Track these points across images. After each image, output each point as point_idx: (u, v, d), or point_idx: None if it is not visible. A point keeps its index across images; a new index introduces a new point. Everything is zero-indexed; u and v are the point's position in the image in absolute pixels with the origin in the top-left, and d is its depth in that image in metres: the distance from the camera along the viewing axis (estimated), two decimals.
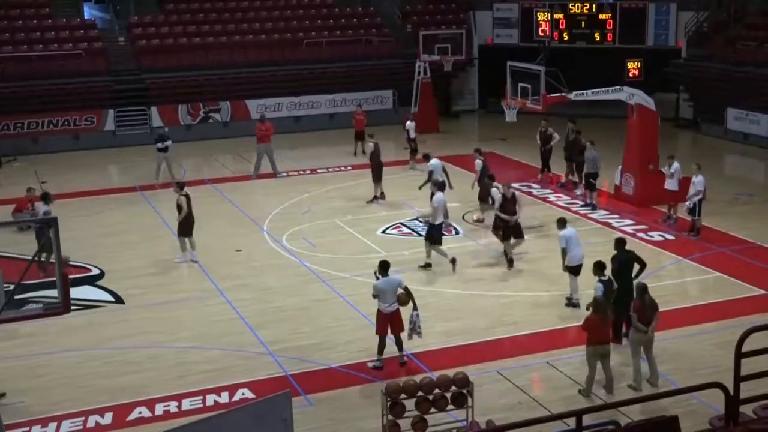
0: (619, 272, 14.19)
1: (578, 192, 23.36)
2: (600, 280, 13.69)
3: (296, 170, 27.28)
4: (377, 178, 23.26)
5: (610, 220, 21.27)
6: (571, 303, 15.96)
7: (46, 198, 18.87)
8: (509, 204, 18.22)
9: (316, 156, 29.14)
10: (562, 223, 16.19)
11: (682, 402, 11.66)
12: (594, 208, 22.10)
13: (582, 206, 22.42)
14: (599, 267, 13.89)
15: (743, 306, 15.93)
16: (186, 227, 18.87)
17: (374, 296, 13.68)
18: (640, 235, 20.05)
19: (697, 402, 11.87)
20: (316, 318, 15.91)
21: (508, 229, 18.17)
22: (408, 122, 27.44)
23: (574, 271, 15.80)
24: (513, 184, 19.67)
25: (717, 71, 31.93)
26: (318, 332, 15.28)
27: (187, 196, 18.95)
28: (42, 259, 15.24)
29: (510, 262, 18.14)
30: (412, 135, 27.19)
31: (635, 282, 13.99)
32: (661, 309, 13.21)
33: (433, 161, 21.50)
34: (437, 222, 18.17)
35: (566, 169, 24.40)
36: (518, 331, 15.20)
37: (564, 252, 15.73)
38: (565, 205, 22.57)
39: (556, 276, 17.52)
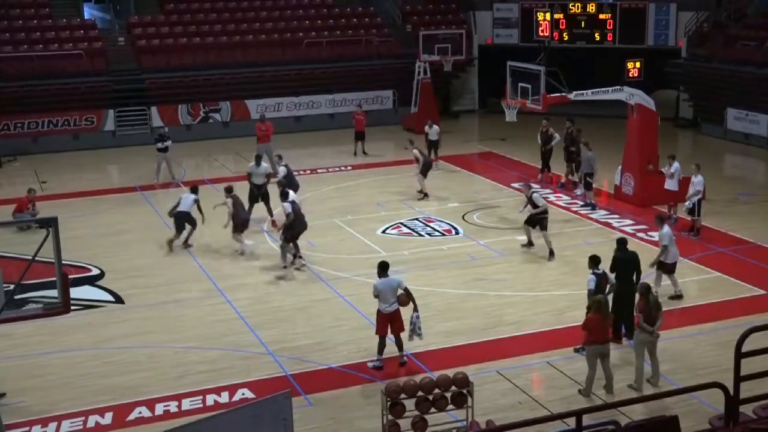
0: (621, 272, 14.19)
1: (578, 192, 23.34)
2: (594, 273, 13.71)
3: (296, 170, 27.15)
4: (424, 175, 23.43)
5: (610, 220, 21.25)
6: (676, 295, 16.10)
7: (194, 190, 19.89)
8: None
9: (316, 156, 29.12)
10: (661, 220, 16.26)
11: (682, 402, 11.67)
12: (594, 207, 22.10)
13: (582, 206, 22.42)
14: (594, 261, 13.92)
15: (743, 306, 15.93)
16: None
17: (375, 296, 13.69)
18: (640, 235, 20.03)
19: (697, 402, 11.87)
20: (316, 318, 15.91)
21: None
22: (426, 126, 27.25)
23: (672, 268, 15.95)
24: (514, 185, 19.61)
25: (717, 71, 31.88)
26: (318, 332, 15.28)
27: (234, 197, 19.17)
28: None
29: (551, 254, 18.48)
30: (434, 137, 26.97)
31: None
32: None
33: (262, 167, 21.39)
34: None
35: (566, 169, 24.40)
36: (518, 331, 15.19)
37: (665, 249, 15.75)
38: (565, 205, 22.56)
39: (556, 276, 17.54)
